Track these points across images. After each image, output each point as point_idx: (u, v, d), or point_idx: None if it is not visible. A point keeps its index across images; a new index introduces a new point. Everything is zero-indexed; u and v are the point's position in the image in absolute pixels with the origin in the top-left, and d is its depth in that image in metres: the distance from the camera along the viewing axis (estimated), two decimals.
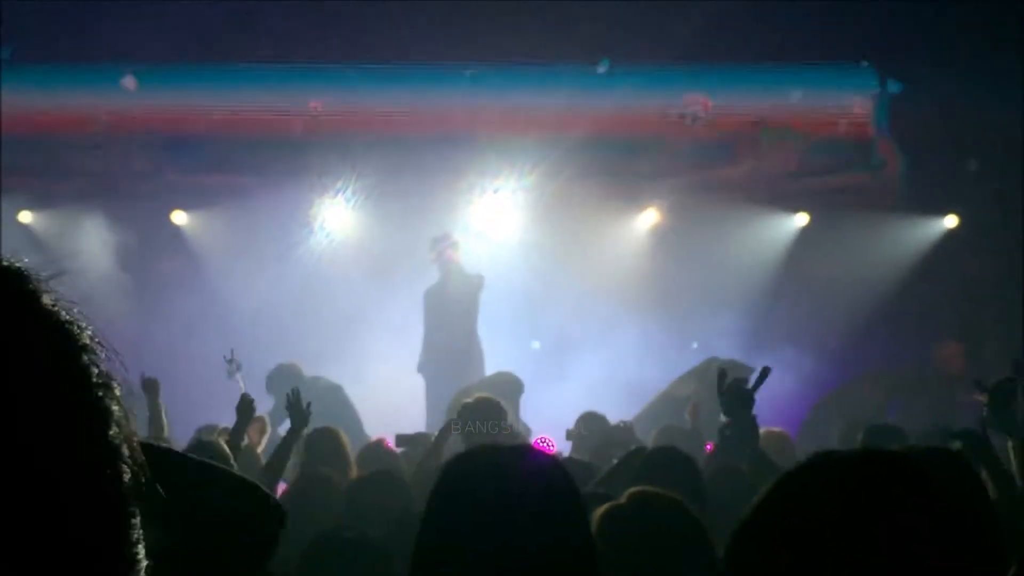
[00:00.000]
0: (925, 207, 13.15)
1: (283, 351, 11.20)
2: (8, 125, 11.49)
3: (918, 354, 12.18)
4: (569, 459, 6.40)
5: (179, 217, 13.39)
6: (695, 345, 12.58)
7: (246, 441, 7.05)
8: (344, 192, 12.91)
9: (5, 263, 0.98)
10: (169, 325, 12.28)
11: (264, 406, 8.86)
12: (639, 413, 10.33)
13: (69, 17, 12.05)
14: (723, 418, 6.19)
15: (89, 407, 0.96)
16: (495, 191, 12.85)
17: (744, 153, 12.79)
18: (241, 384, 8.60)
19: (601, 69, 12.45)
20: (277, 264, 12.68)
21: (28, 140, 12.22)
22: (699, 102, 12.65)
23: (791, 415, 10.70)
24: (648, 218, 13.36)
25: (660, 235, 13.31)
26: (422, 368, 11.74)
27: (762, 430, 6.44)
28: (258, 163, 12.28)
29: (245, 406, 6.91)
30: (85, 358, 0.97)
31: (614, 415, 8.79)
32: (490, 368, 11.21)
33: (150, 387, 7.95)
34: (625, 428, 8.32)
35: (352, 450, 7.20)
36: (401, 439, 7.96)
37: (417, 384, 11.71)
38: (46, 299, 0.97)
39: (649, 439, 7.71)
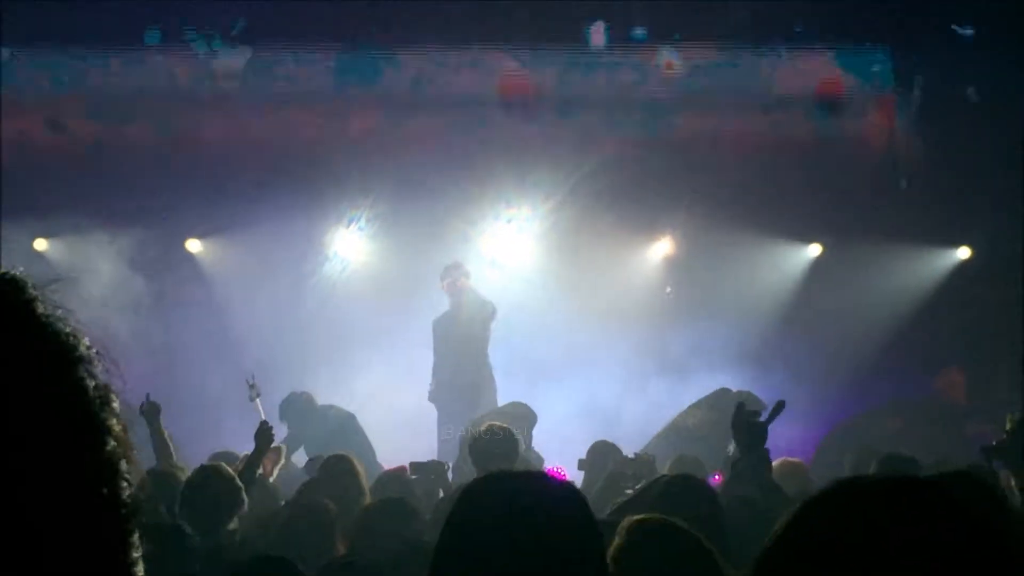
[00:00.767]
0: (938, 238, 13.15)
1: (296, 380, 11.22)
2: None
3: (929, 385, 12.18)
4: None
5: (193, 245, 13.44)
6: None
7: (261, 471, 7.02)
8: (358, 220, 12.95)
9: (1, 273, 0.97)
10: (182, 352, 12.31)
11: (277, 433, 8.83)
12: (649, 443, 10.31)
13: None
14: (731, 448, 6.20)
15: (85, 419, 0.94)
16: (508, 220, 12.88)
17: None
18: (260, 411, 8.55)
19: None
20: (291, 292, 12.71)
21: (43, 167, 12.29)
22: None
23: (801, 444, 10.67)
24: (662, 247, 13.39)
25: (674, 264, 13.34)
26: (433, 397, 11.74)
27: (778, 460, 6.43)
28: (273, 191, 12.31)
29: (264, 434, 6.88)
30: (81, 369, 0.95)
31: (626, 443, 8.77)
32: (502, 397, 11.20)
33: (151, 411, 7.80)
34: (644, 460, 8.19)
35: (366, 478, 7.21)
36: (415, 467, 7.95)
37: (428, 412, 11.71)
38: (42, 309, 0.95)
39: (662, 469, 7.69)
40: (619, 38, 12.52)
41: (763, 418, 6.26)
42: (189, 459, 8.07)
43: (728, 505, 5.40)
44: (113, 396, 0.97)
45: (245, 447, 7.60)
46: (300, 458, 9.88)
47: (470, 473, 6.83)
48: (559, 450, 9.71)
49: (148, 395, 7.81)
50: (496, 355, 11.79)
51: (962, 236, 13.21)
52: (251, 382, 8.60)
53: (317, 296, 12.84)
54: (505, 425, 7.57)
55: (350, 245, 13.11)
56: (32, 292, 0.96)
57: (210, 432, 10.59)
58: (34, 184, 11.93)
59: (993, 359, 12.62)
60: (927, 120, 12.68)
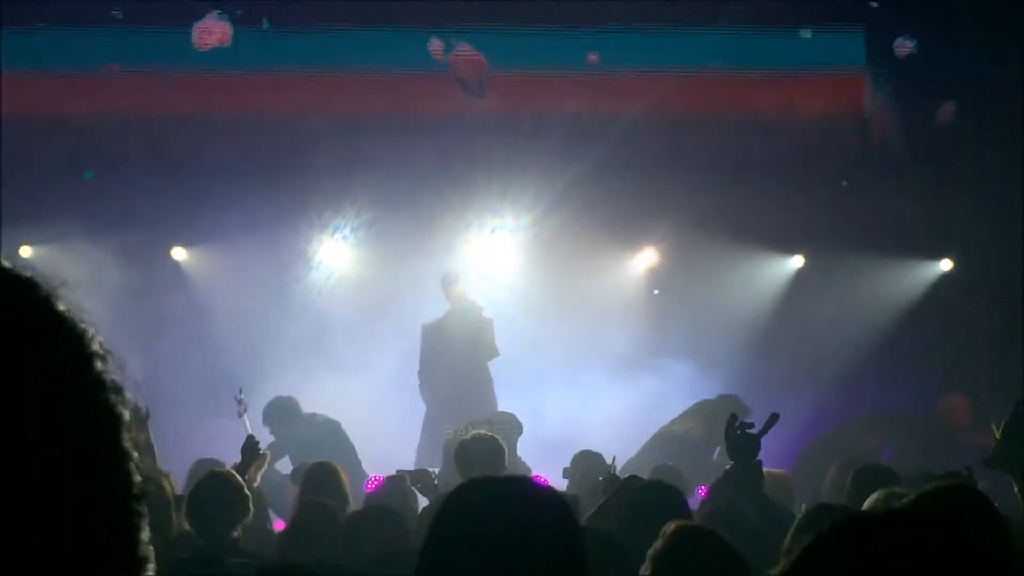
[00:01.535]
0: (920, 250, 13.23)
1: (280, 388, 11.22)
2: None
3: (912, 397, 12.23)
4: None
5: (178, 253, 13.45)
6: (656, 291, 12.91)
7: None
8: (342, 230, 12.97)
9: (20, 272, 1.02)
10: (166, 359, 12.30)
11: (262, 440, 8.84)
12: (636, 454, 10.35)
13: None
14: (716, 452, 6.27)
15: (105, 409, 1.00)
16: (492, 230, 12.91)
17: None
18: (247, 426, 8.62)
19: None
20: (276, 300, 12.73)
21: (29, 176, 12.28)
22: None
23: (781, 456, 10.71)
24: (646, 258, 13.45)
25: (658, 275, 13.40)
26: (431, 401, 11.68)
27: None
28: (258, 200, 12.33)
29: (250, 448, 6.96)
30: (99, 364, 1.01)
31: (611, 452, 8.80)
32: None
33: (140, 418, 7.92)
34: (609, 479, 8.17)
35: (350, 485, 7.24)
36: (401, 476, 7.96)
37: (414, 420, 11.73)
38: (61, 306, 1.01)
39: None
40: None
41: (755, 429, 6.32)
42: (170, 466, 8.10)
43: (714, 516, 5.45)
44: (125, 390, 1.03)
45: (228, 454, 7.64)
46: (284, 465, 9.90)
47: (455, 481, 6.86)
48: (543, 458, 9.75)
49: (135, 403, 7.85)
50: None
51: (944, 248, 13.29)
52: (238, 397, 8.71)
53: (302, 304, 12.85)
54: (491, 433, 7.62)
55: (334, 253, 13.14)
56: (50, 289, 1.02)
57: (192, 439, 10.60)
58: (19, 192, 11.92)
59: (973, 371, 12.70)
60: (909, 132, 12.76)
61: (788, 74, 12.90)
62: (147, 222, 12.59)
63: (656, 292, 13.28)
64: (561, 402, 12.28)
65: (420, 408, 11.93)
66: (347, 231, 12.99)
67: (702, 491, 10.00)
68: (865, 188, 12.68)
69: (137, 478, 1.01)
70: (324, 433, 10.48)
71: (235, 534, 5.74)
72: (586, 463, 8.42)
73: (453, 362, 11.55)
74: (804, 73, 12.87)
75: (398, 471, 7.96)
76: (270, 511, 7.91)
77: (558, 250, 12.75)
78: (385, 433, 11.48)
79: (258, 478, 8.01)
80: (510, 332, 12.20)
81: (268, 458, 8.29)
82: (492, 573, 2.36)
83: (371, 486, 8.22)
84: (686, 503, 5.19)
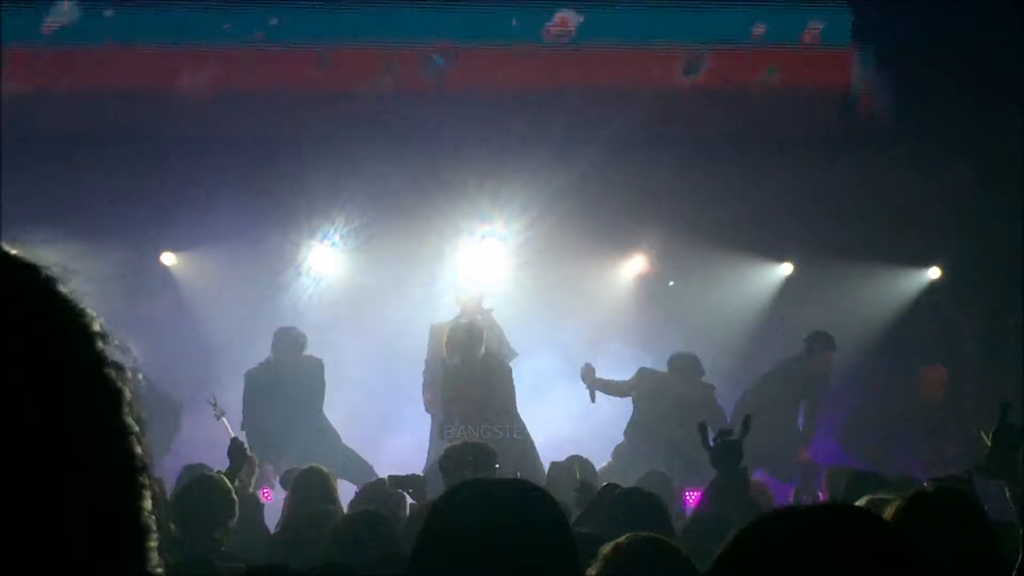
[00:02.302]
0: (909, 258, 13.26)
1: None
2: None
3: (897, 402, 12.29)
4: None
5: (168, 258, 13.43)
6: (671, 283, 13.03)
7: (238, 483, 7.08)
8: (331, 236, 12.97)
9: (22, 256, 1.05)
10: (153, 364, 12.28)
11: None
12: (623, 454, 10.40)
13: None
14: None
15: (109, 385, 1.04)
16: (482, 237, 12.91)
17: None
18: (228, 427, 8.67)
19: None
20: (265, 305, 12.71)
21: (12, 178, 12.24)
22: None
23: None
24: (636, 264, 13.47)
25: (648, 281, 13.42)
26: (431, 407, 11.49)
27: None
28: (248, 205, 12.32)
29: (236, 450, 6.99)
30: (101, 343, 1.04)
31: (600, 457, 8.85)
32: None
33: None
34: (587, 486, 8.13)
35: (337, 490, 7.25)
36: (394, 480, 7.97)
37: (407, 425, 11.74)
38: (64, 288, 1.05)
39: (633, 483, 7.74)
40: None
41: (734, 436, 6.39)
42: (159, 472, 8.10)
43: (694, 523, 5.48)
44: (126, 369, 1.06)
45: (217, 459, 7.66)
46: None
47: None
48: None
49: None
50: None
51: (933, 256, 13.32)
52: (212, 402, 8.97)
53: (291, 309, 12.84)
54: (481, 441, 7.63)
55: (324, 259, 13.13)
56: (51, 274, 1.05)
57: (181, 445, 10.60)
58: (2, 196, 11.89)
59: (962, 379, 12.73)
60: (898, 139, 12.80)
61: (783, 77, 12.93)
62: (137, 226, 12.59)
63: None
64: (551, 406, 12.29)
65: (408, 413, 11.93)
66: (336, 237, 12.98)
67: (688, 496, 10.07)
68: (855, 195, 12.72)
69: (138, 450, 1.04)
70: (316, 438, 10.49)
71: (221, 536, 5.75)
72: (577, 468, 8.46)
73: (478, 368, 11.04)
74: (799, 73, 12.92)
75: (390, 476, 7.96)
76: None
77: (548, 256, 12.76)
78: (378, 437, 11.52)
79: (252, 483, 8.04)
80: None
81: (256, 462, 8.33)
82: (482, 572, 2.37)
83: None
84: (666, 510, 5.24)
